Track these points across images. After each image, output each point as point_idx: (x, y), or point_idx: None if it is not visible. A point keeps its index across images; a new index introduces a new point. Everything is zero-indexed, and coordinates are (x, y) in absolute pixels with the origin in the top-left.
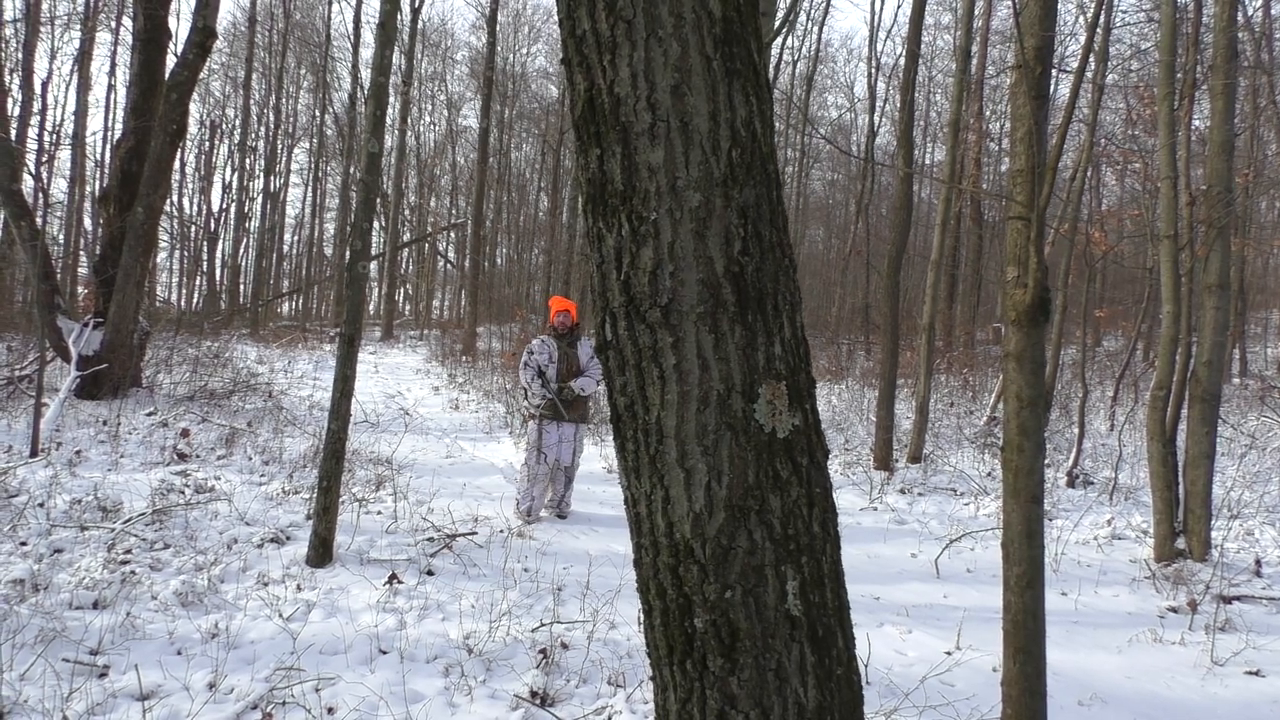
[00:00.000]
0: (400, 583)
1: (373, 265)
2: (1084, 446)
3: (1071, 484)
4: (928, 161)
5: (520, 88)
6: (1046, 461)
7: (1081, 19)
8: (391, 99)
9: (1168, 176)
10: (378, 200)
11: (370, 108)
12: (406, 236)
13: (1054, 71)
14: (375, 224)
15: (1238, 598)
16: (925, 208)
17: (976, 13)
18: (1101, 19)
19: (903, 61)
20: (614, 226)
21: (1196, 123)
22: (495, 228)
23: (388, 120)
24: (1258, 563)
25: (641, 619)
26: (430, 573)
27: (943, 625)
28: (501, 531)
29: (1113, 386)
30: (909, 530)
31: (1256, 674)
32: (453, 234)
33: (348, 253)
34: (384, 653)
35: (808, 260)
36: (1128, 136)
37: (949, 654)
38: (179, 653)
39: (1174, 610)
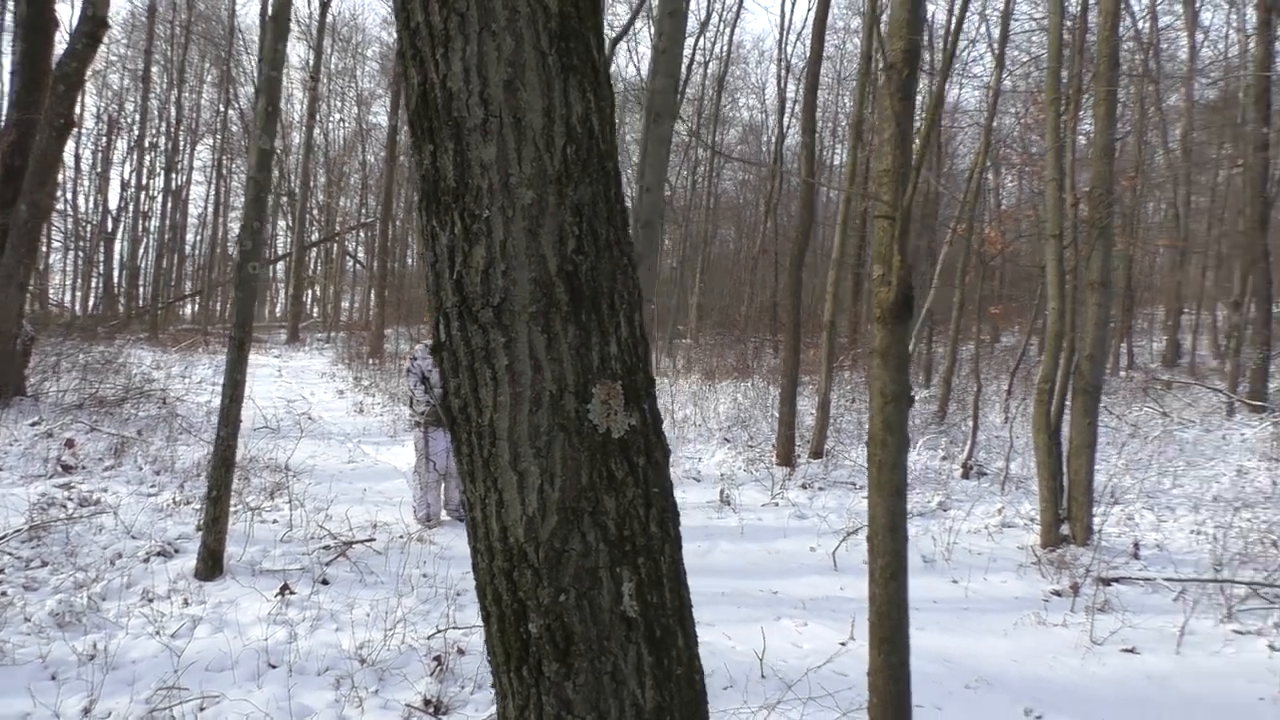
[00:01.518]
0: (293, 593)
1: (279, 266)
2: (979, 439)
3: (966, 475)
4: (837, 163)
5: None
6: (943, 455)
7: (984, 26)
8: (299, 95)
9: (1054, 179)
10: (284, 199)
11: (262, 102)
12: (315, 236)
13: (953, 75)
14: (282, 223)
15: (1117, 580)
16: (833, 207)
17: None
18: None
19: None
20: (447, 225)
21: (1088, 127)
22: (405, 227)
23: (297, 117)
24: (1135, 546)
25: None
26: (325, 582)
27: (838, 617)
28: (401, 537)
29: (1008, 380)
30: (809, 525)
31: (1132, 651)
32: (362, 233)
33: (237, 253)
34: (273, 667)
35: (718, 259)
36: (1025, 140)
37: (843, 645)
38: (53, 677)
39: (1057, 594)
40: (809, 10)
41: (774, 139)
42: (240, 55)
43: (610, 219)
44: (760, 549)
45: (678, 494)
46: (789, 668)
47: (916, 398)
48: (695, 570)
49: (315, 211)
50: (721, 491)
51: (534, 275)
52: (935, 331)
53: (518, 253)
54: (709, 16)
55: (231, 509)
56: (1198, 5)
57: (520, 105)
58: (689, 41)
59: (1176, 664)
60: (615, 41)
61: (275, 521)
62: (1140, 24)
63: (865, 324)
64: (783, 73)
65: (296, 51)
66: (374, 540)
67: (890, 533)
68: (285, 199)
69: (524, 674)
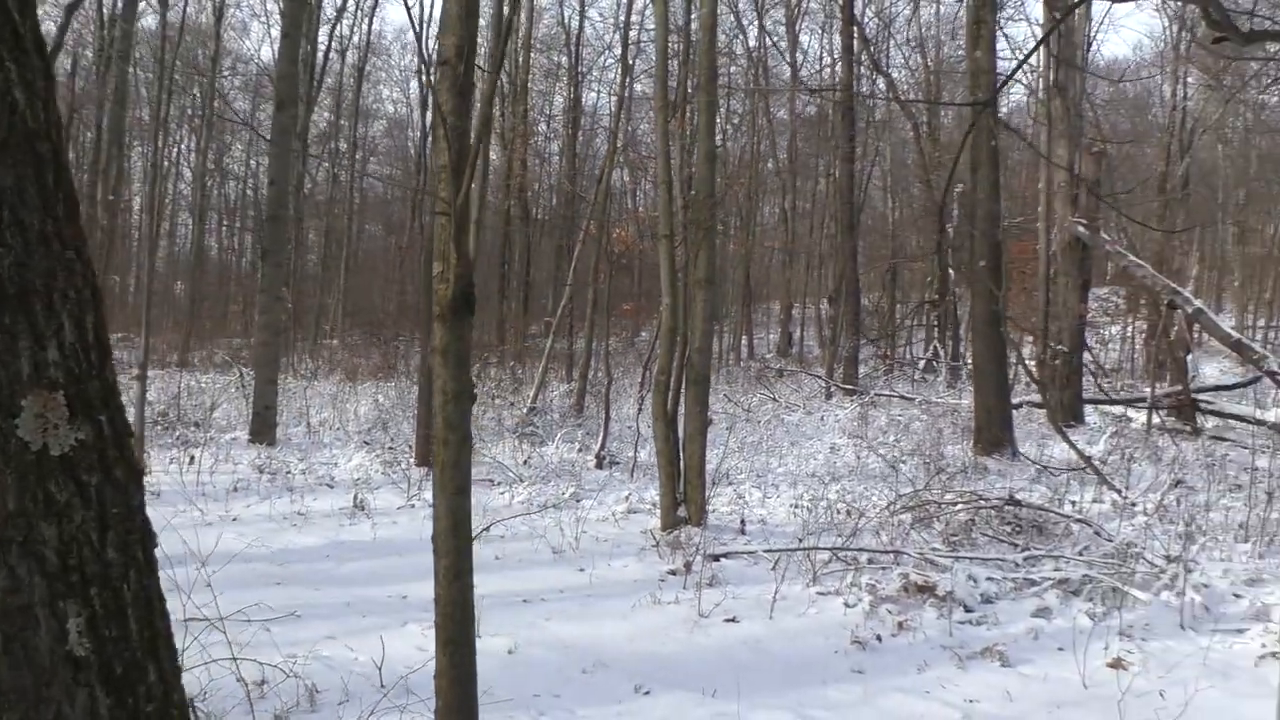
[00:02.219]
0: None
1: None
2: (611, 430)
3: (600, 465)
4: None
5: None
6: (579, 447)
7: (616, 35)
8: None
9: (664, 181)
10: None
11: None
12: None
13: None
14: None
15: (725, 555)
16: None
17: (521, 18)
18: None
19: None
20: None
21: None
22: None
23: None
24: (742, 522)
25: None
26: None
27: None
28: None
29: (641, 373)
30: None
31: (733, 620)
32: None
33: None
34: None
35: (366, 257)
36: (652, 145)
37: None
38: None
39: (673, 573)
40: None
41: (419, 134)
42: None
43: (46, 208)
44: (392, 553)
45: (308, 501)
46: (413, 674)
47: (559, 392)
48: (321, 581)
49: None
50: (355, 496)
51: None
52: (575, 328)
53: None
54: (345, 3)
55: None
56: (798, 29)
57: None
58: (324, 30)
59: (769, 628)
60: (71, 9)
61: None
62: (752, 42)
63: (509, 323)
64: (424, 67)
65: None
66: None
67: (453, 532)
68: None
69: None
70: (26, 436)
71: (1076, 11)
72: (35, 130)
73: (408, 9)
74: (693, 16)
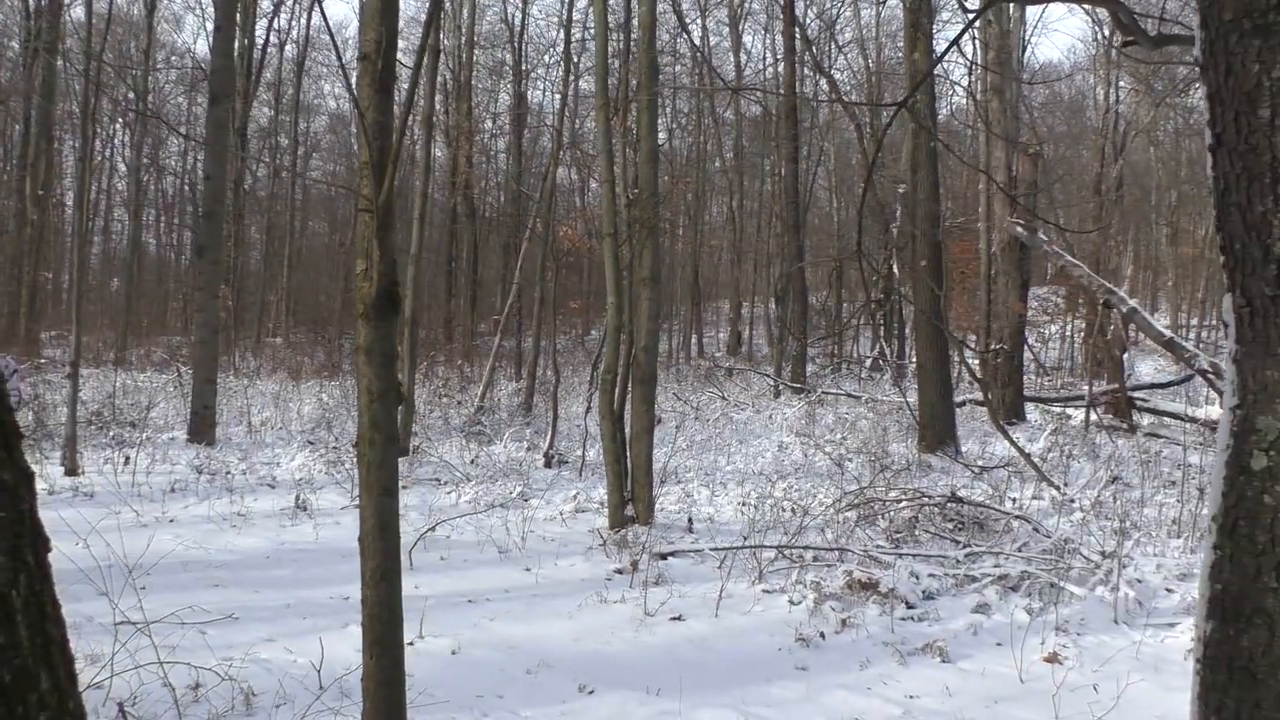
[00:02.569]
0: None
1: None
2: (560, 429)
3: (549, 464)
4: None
5: None
6: (528, 445)
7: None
8: None
9: (607, 180)
10: None
11: None
12: None
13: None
14: None
15: (672, 554)
16: (429, 204)
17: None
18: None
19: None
20: None
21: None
22: None
23: None
24: (690, 521)
25: None
26: None
27: (409, 615)
28: None
29: (589, 372)
30: None
31: (679, 619)
32: None
33: None
34: None
35: (309, 254)
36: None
37: (410, 644)
38: None
39: (619, 572)
40: None
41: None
42: None
43: None
44: (334, 554)
45: (248, 502)
46: (350, 675)
47: (508, 390)
48: (261, 583)
49: None
50: (297, 496)
51: None
52: (524, 326)
53: None
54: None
55: None
56: (741, 29)
57: None
58: (262, 23)
59: (715, 625)
60: None
61: None
62: (696, 41)
63: (457, 320)
64: (343, 65)
65: None
66: None
67: (380, 533)
68: None
69: None
70: None
71: (1011, 16)
72: None
73: (321, 10)
74: (633, 15)
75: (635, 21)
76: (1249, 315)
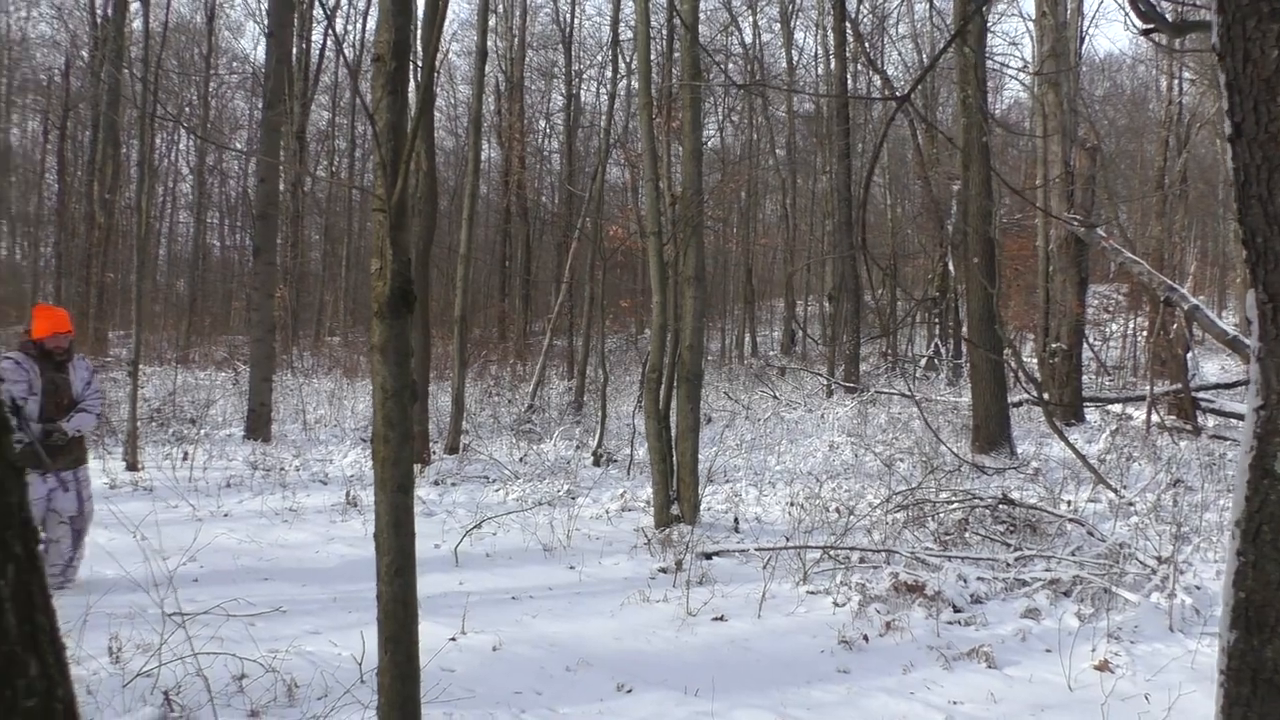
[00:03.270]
0: None
1: None
2: (609, 428)
3: (597, 463)
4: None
5: (21, 55)
6: (577, 444)
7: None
8: None
9: (650, 179)
10: None
11: None
12: None
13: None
14: None
15: (717, 553)
16: (484, 205)
17: (491, 11)
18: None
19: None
20: None
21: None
22: None
23: None
24: (736, 521)
25: None
26: None
27: (453, 612)
28: None
29: (640, 371)
30: (436, 521)
31: (721, 619)
32: None
33: None
34: None
35: (367, 254)
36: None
37: (453, 639)
38: None
39: (664, 571)
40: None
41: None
42: None
43: None
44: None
45: (300, 498)
46: None
47: (559, 389)
48: (308, 577)
49: None
50: (348, 493)
51: None
52: (576, 325)
53: None
54: (338, 2)
55: None
56: (792, 25)
57: None
58: (319, 27)
59: (757, 626)
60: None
61: None
62: (747, 38)
63: (509, 319)
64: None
65: None
66: None
67: (395, 529)
68: None
69: None
70: None
71: (1068, 7)
72: None
73: (329, 20)
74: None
75: (680, 19)
76: (1272, 312)
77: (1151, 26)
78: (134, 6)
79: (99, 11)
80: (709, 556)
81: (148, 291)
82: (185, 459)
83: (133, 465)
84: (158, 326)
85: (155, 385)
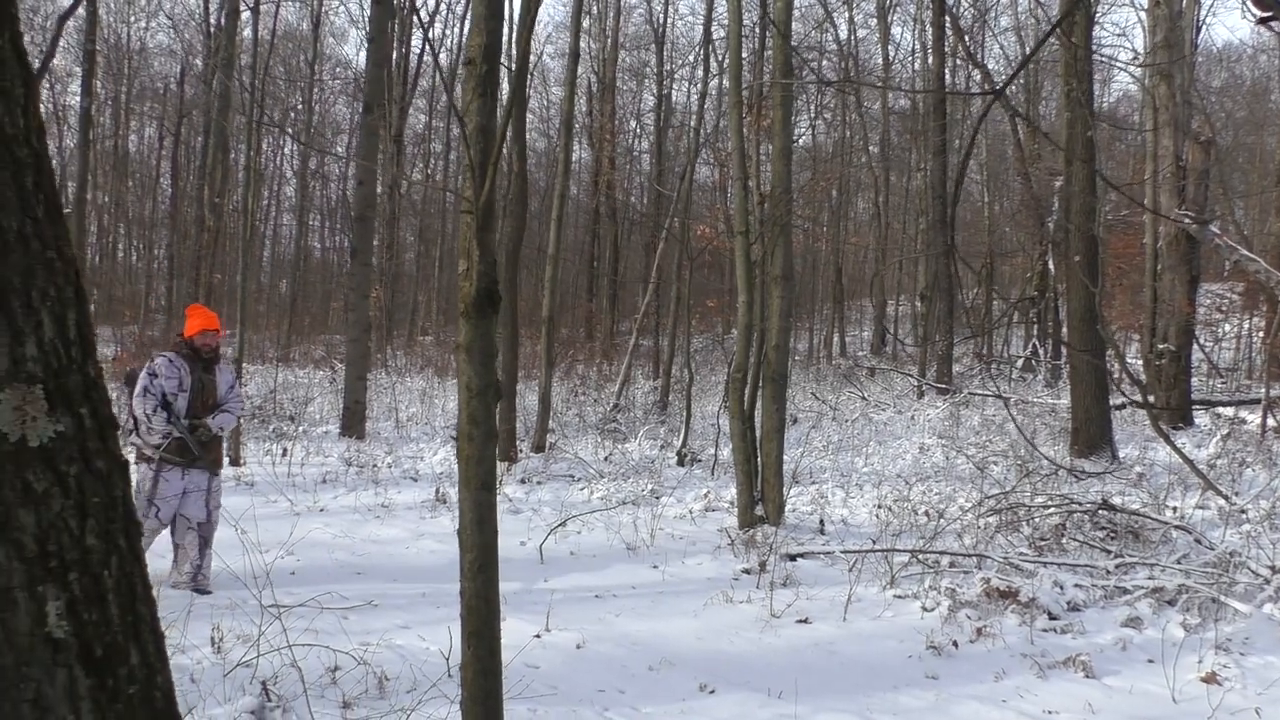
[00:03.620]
0: None
1: None
2: (694, 428)
3: (681, 462)
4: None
5: (140, 65)
6: (662, 444)
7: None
8: None
9: (739, 178)
10: None
11: None
12: None
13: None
14: None
15: (801, 555)
16: (573, 205)
17: (585, 13)
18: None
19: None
20: None
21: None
22: (113, 216)
23: None
24: (821, 523)
25: None
26: None
27: (536, 609)
28: None
29: (726, 370)
30: (522, 519)
31: (805, 621)
32: None
33: None
34: None
35: (448, 254)
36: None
37: (537, 636)
38: None
39: (747, 572)
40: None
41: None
42: None
43: (25, 209)
44: None
45: (392, 494)
46: None
47: (645, 389)
48: (399, 572)
49: None
50: (437, 490)
51: None
52: (663, 325)
53: None
54: (437, 8)
55: None
56: (890, 20)
57: None
58: (417, 33)
59: (842, 629)
60: (63, 20)
61: None
62: (843, 34)
63: (596, 319)
64: (443, 76)
65: None
66: None
67: (478, 526)
68: None
69: None
70: (5, 428)
71: None
72: (13, 136)
73: (424, 27)
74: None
75: (772, 17)
76: None
77: (1270, 14)
78: (245, 15)
79: (213, 21)
80: (793, 558)
81: (251, 292)
82: (284, 455)
83: (235, 460)
84: (261, 326)
85: (258, 383)
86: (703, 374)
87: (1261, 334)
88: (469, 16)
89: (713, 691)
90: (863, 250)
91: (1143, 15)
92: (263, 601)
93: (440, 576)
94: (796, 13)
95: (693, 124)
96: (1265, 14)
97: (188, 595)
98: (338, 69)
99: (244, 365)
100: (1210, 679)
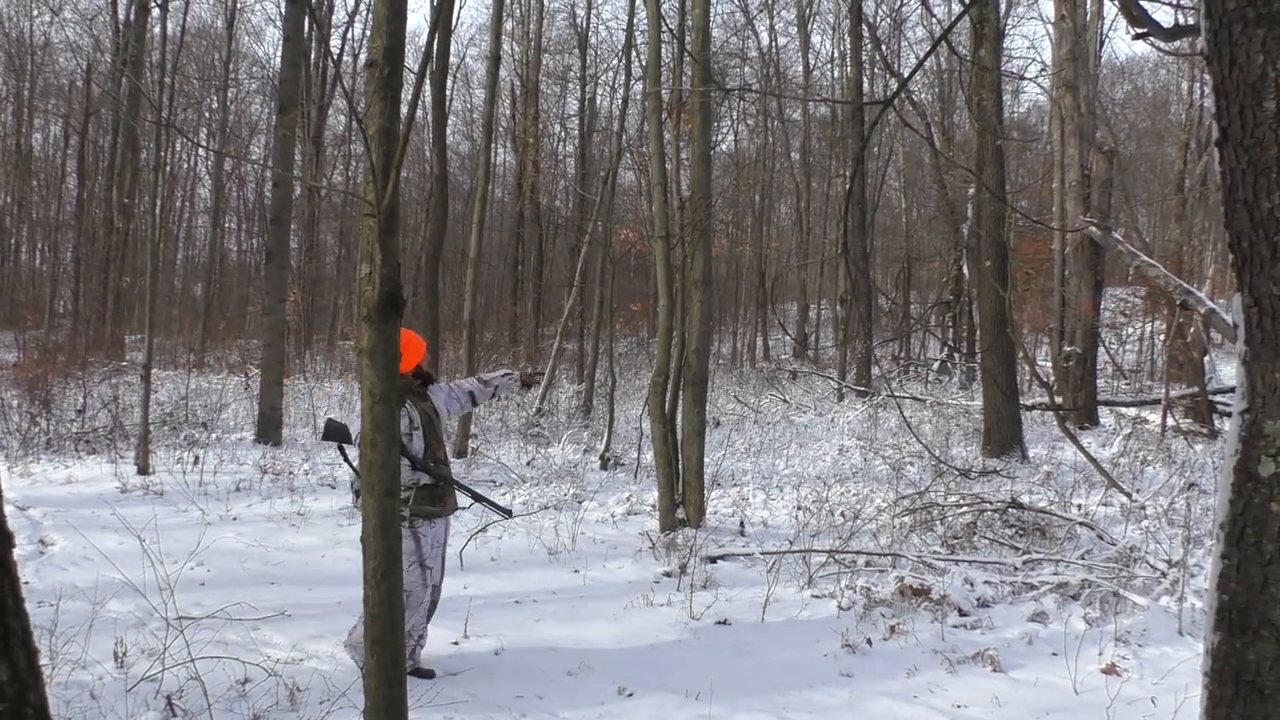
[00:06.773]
0: None
1: None
2: (617, 431)
3: (604, 466)
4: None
5: (44, 60)
6: (585, 448)
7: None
8: None
9: (659, 183)
10: None
11: None
12: None
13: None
14: None
15: (722, 557)
16: (498, 209)
17: (508, 16)
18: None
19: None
20: None
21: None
22: (16, 218)
23: None
24: (742, 525)
25: None
26: None
27: (455, 615)
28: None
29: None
30: None
31: (724, 623)
32: None
33: None
34: None
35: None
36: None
37: (455, 644)
38: None
39: (668, 575)
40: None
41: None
42: None
43: None
44: None
45: (308, 502)
46: None
47: (569, 393)
48: (315, 580)
49: None
50: (355, 495)
51: None
52: (587, 329)
53: None
54: (356, 7)
55: None
56: (809, 29)
57: None
58: (336, 33)
59: (760, 630)
60: None
61: None
62: (764, 42)
63: (521, 323)
64: (340, 75)
65: None
66: None
67: (382, 532)
68: None
69: None
70: None
71: (1089, 9)
72: None
73: (321, 25)
74: (688, 17)
75: (690, 23)
76: (1257, 316)
77: (1145, 31)
78: (155, 12)
79: (120, 16)
80: (714, 560)
81: (163, 296)
82: (196, 463)
83: (144, 469)
84: (173, 331)
85: (169, 389)
86: (627, 377)
87: (1162, 336)
88: (370, 19)
89: (631, 695)
90: (785, 255)
91: (1050, 29)
92: (167, 614)
93: (357, 584)
94: (718, 19)
95: (616, 128)
96: (1140, 30)
97: (86, 606)
98: (254, 68)
99: (153, 371)
100: (1110, 670)
